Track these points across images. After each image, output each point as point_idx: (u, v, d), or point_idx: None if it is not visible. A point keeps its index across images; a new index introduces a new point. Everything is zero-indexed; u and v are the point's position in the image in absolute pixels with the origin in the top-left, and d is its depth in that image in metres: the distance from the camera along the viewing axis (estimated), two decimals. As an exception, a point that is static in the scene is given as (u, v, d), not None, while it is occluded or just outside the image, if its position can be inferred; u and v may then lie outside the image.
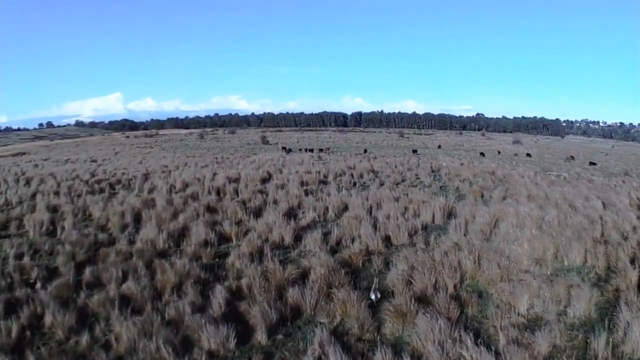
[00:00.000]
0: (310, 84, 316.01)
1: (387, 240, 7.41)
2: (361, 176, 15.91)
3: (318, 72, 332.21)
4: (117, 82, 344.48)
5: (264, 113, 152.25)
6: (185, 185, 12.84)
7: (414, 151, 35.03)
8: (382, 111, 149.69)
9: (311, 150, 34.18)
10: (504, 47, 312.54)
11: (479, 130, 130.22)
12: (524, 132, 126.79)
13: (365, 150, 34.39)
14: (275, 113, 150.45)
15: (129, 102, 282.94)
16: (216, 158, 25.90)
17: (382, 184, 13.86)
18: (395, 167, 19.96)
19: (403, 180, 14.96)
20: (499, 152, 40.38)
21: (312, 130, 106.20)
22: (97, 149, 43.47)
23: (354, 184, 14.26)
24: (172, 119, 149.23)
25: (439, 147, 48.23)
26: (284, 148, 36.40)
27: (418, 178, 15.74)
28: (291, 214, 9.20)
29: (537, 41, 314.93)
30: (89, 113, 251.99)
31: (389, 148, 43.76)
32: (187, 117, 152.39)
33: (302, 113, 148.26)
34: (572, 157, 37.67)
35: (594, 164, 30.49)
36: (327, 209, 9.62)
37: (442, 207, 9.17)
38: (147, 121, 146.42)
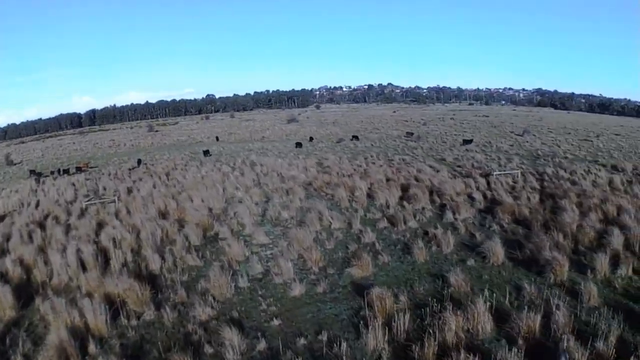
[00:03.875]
0: (43, 90, 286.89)
1: None
2: (217, 243, 8.52)
3: (47, 75, 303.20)
4: None
5: (8, 125, 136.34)
6: None
7: (206, 152, 27.43)
8: (114, 105, 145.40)
9: (67, 172, 24.74)
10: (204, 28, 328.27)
11: (216, 112, 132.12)
12: (266, 107, 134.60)
13: (140, 162, 25.51)
14: (18, 123, 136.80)
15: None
16: None
17: (303, 279, 6.67)
18: (233, 198, 12.43)
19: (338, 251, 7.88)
20: (339, 141, 32.20)
21: (52, 137, 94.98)
22: None
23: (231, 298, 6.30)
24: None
25: (217, 139, 41.70)
26: (32, 172, 25.62)
27: (353, 238, 8.60)
28: None
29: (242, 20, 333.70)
30: None
31: (160, 150, 34.70)
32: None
33: (40, 119, 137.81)
34: (411, 134, 34.03)
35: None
36: None
37: None
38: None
